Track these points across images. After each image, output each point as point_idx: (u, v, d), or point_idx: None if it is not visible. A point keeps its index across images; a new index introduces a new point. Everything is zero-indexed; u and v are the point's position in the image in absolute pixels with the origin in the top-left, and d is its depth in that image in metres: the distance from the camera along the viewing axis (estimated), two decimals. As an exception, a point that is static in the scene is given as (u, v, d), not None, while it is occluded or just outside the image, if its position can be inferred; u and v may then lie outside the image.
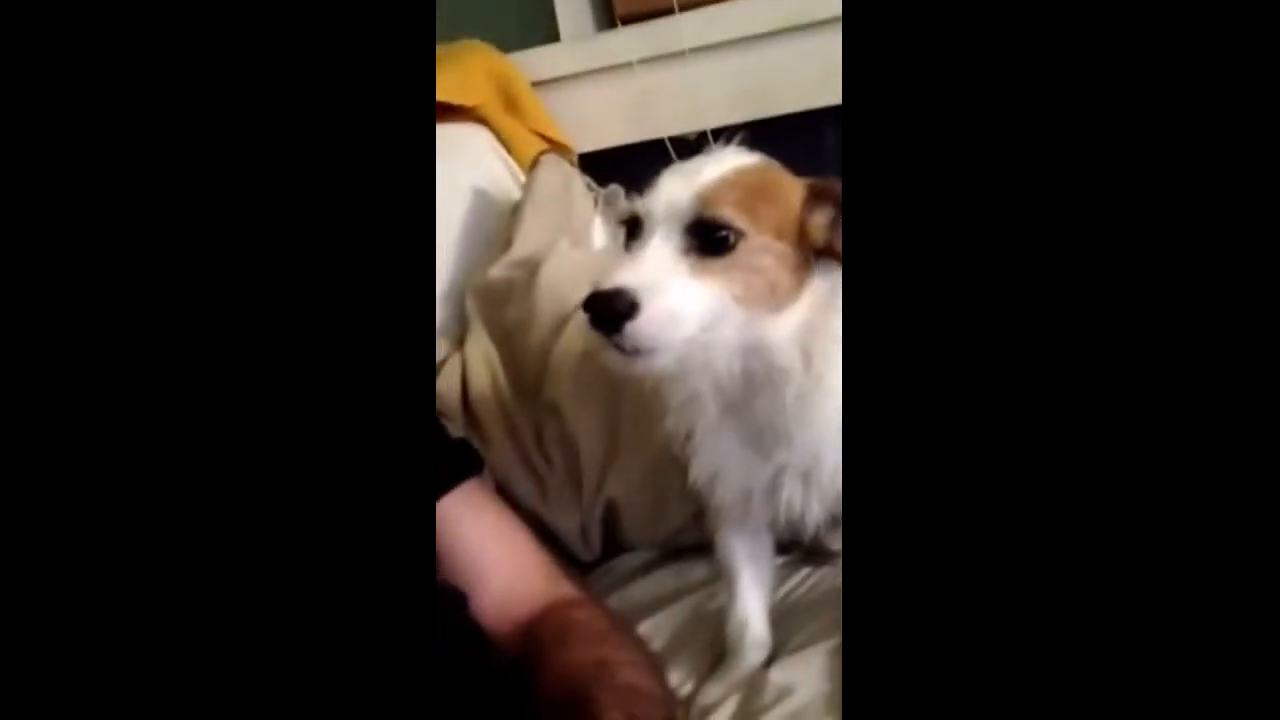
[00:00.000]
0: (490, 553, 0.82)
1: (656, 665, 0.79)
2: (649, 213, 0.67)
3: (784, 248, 0.68)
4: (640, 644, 0.81)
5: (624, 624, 0.84)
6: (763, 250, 0.67)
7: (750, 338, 0.68)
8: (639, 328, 0.62)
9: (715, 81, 1.34)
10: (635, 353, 0.64)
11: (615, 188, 1.26)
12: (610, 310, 0.62)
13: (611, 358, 0.65)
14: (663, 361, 0.65)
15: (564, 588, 0.83)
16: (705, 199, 0.66)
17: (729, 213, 0.65)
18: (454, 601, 0.77)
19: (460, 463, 0.85)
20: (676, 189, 0.67)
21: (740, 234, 0.66)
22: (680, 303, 0.64)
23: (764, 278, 0.67)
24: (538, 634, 0.77)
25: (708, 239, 0.65)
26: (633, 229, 0.69)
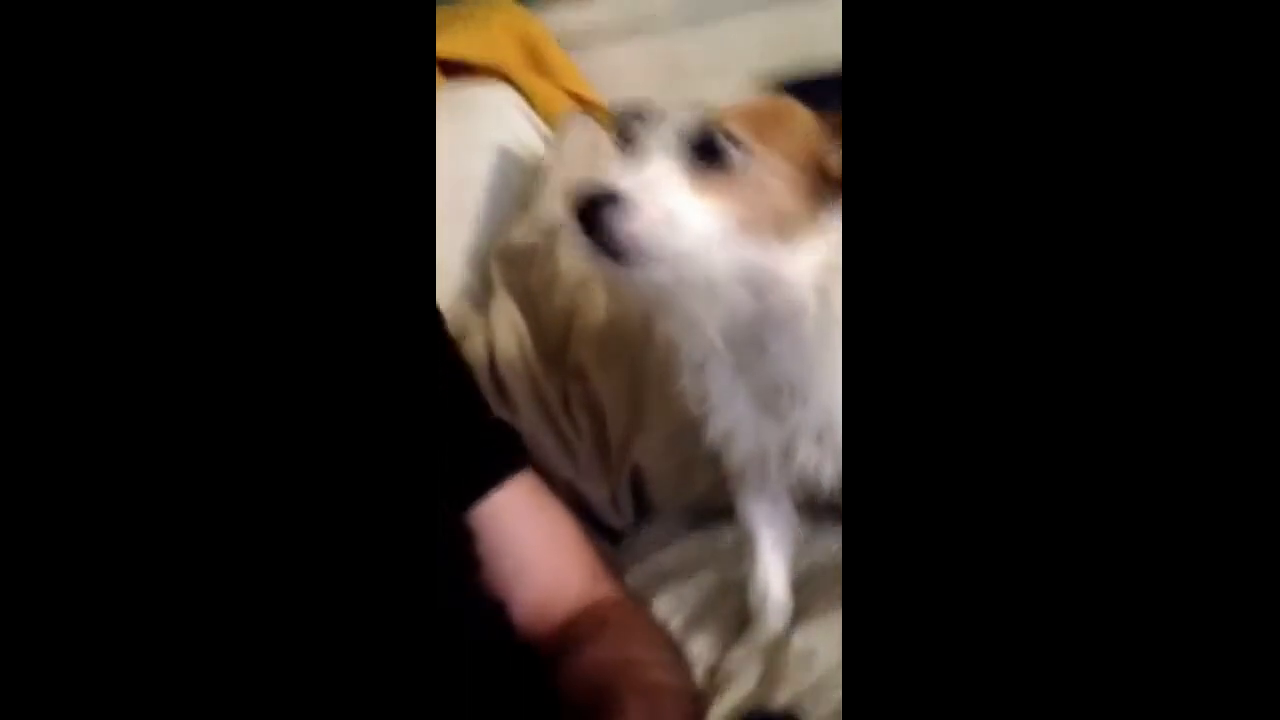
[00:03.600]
0: (534, 551, 0.80)
1: (685, 664, 0.77)
2: (655, 134, 0.65)
3: (793, 171, 0.65)
4: (670, 643, 0.80)
5: (655, 622, 0.83)
6: (770, 169, 0.64)
7: (759, 268, 0.65)
8: (632, 226, 0.60)
9: (749, 42, 1.30)
10: (626, 259, 0.61)
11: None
12: (600, 210, 0.60)
13: (603, 266, 0.62)
14: (657, 273, 0.62)
15: (604, 587, 0.82)
16: (713, 116, 0.64)
17: (735, 128, 0.64)
18: (488, 610, 0.75)
19: (506, 456, 0.83)
20: (686, 113, 0.65)
21: (746, 150, 0.63)
22: (677, 209, 0.61)
23: (770, 199, 0.64)
24: (574, 631, 0.76)
25: (712, 154, 0.63)
26: (639, 154, 0.66)
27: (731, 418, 0.76)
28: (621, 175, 0.63)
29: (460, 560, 0.73)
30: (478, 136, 1.26)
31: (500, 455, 0.82)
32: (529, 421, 1.04)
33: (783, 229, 0.65)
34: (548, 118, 1.35)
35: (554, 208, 1.17)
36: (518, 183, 1.28)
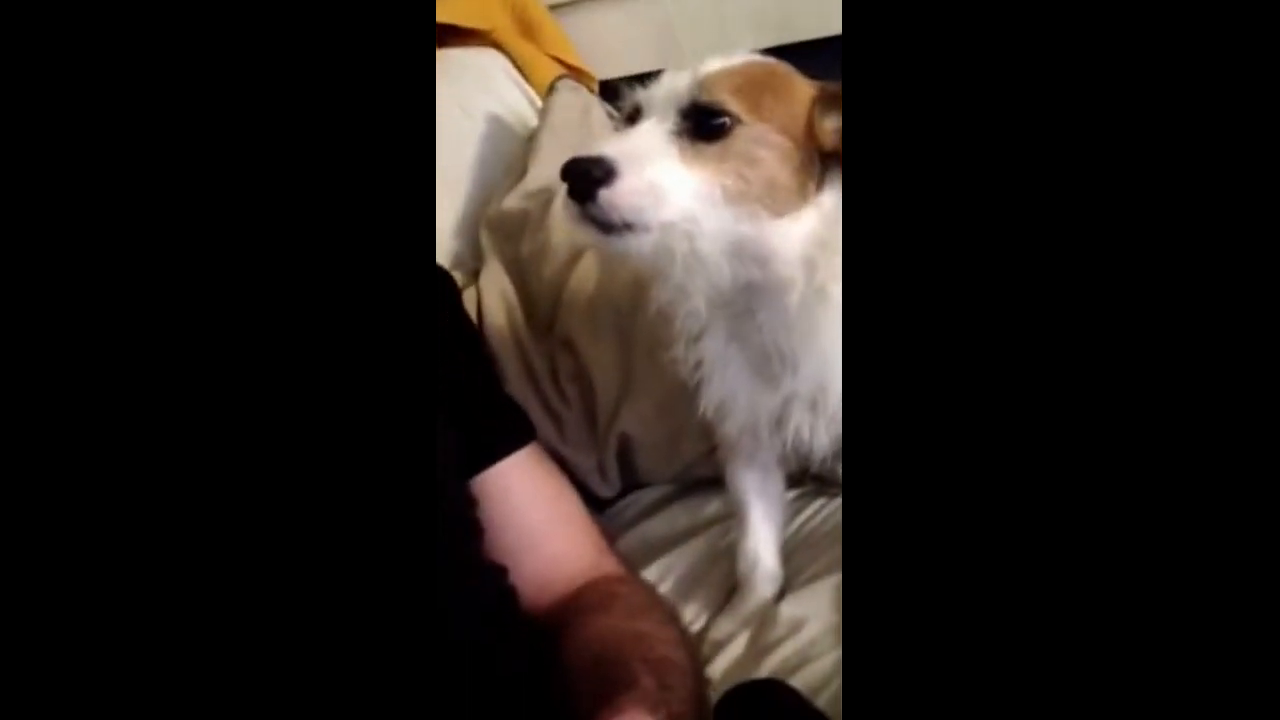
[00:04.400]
0: (540, 524, 0.80)
1: (690, 642, 0.78)
2: (648, 100, 0.65)
3: (785, 143, 0.64)
4: (677, 621, 0.81)
5: (662, 601, 0.83)
6: (760, 140, 0.63)
7: (746, 240, 0.64)
8: (615, 196, 0.60)
9: (742, 6, 1.29)
10: (612, 229, 0.61)
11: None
12: (587, 176, 0.60)
13: (589, 233, 0.62)
14: (641, 242, 0.61)
15: (608, 562, 0.82)
16: (704, 84, 0.63)
17: (726, 98, 0.63)
18: (490, 574, 0.75)
19: (513, 429, 0.83)
20: (678, 77, 0.65)
21: (736, 119, 0.63)
22: (663, 179, 0.61)
23: (761, 171, 0.63)
24: (582, 601, 0.77)
25: (702, 123, 0.63)
26: (633, 119, 0.66)
27: (726, 386, 0.75)
28: (610, 144, 0.62)
29: (463, 525, 0.73)
30: (467, 102, 1.25)
31: (508, 427, 0.83)
32: (517, 390, 1.04)
33: (772, 201, 0.64)
34: (537, 84, 1.33)
35: (544, 175, 1.16)
36: (507, 150, 1.26)
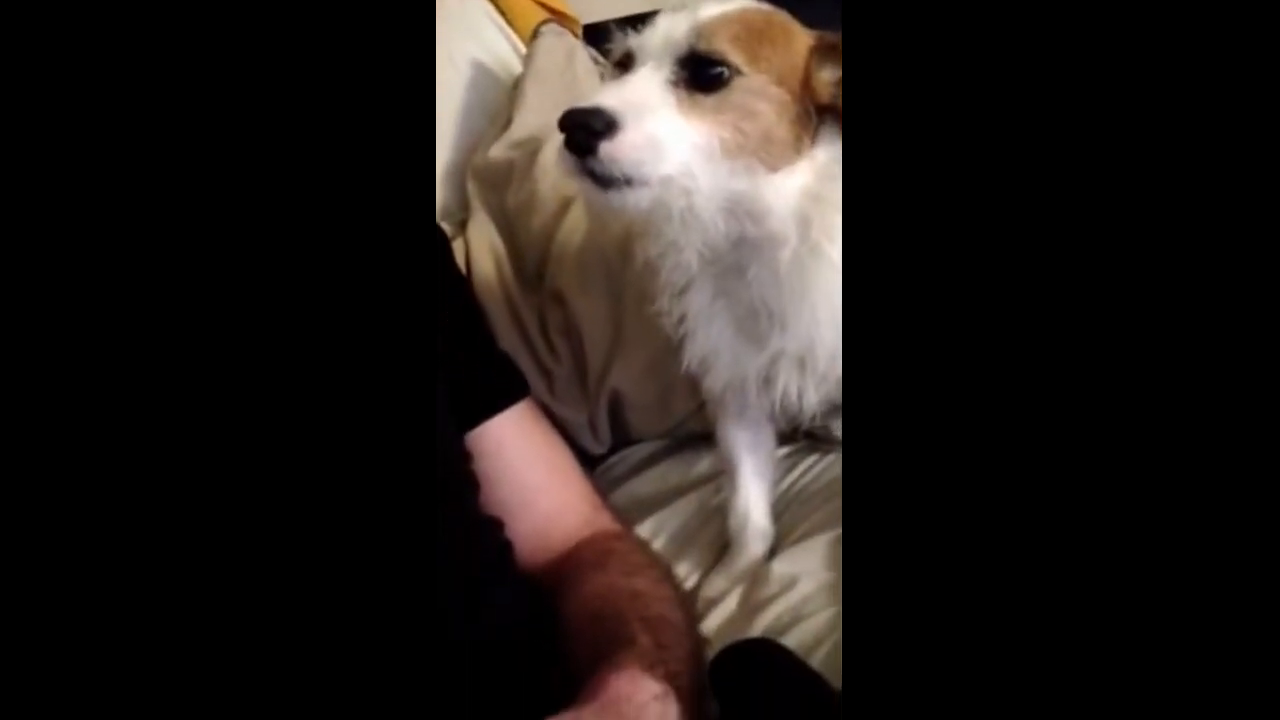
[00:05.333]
0: (536, 479, 0.80)
1: (686, 601, 0.78)
2: (642, 46, 0.63)
3: (783, 95, 0.62)
4: (673, 580, 0.80)
5: (659, 560, 0.83)
6: (759, 92, 0.61)
7: (741, 196, 0.63)
8: (615, 150, 0.58)
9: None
10: (610, 183, 0.59)
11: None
12: (586, 129, 0.58)
13: (585, 188, 0.60)
14: (639, 197, 0.60)
15: (604, 518, 0.82)
16: (702, 32, 0.61)
17: (725, 47, 0.61)
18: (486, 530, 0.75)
19: (508, 383, 0.82)
20: (674, 23, 0.62)
21: (735, 70, 0.61)
22: (663, 132, 0.59)
23: (758, 124, 0.61)
24: (579, 557, 0.76)
25: (700, 73, 0.60)
26: (625, 66, 0.64)
27: (710, 342, 0.74)
28: (607, 94, 0.60)
29: (459, 479, 0.73)
30: (450, 49, 1.21)
31: (502, 382, 0.82)
32: (507, 344, 1.02)
33: (768, 155, 0.62)
34: (521, 29, 1.30)
35: (529, 123, 1.13)
36: (492, 98, 1.23)
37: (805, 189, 0.64)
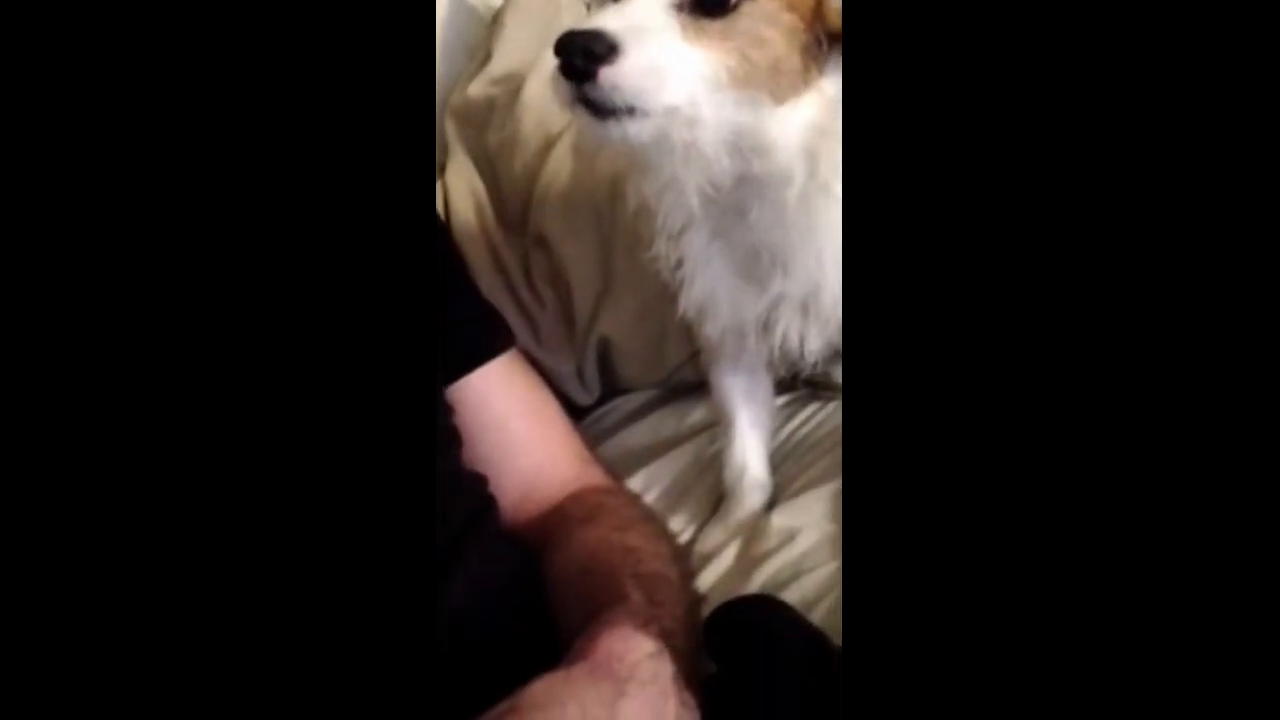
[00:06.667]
0: (521, 432, 0.78)
1: (681, 558, 0.76)
2: None
3: (794, 21, 0.58)
4: (667, 535, 0.78)
5: (652, 515, 0.81)
6: (768, 18, 0.57)
7: (746, 129, 0.59)
8: (616, 76, 0.54)
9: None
10: (609, 113, 0.55)
11: None
12: (585, 52, 0.53)
13: (581, 118, 0.56)
14: (640, 129, 0.56)
15: (594, 473, 0.79)
16: None
17: None
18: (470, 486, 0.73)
19: (491, 335, 0.79)
20: None
21: None
22: (667, 59, 0.55)
23: (766, 52, 0.57)
24: (566, 512, 0.74)
25: None
26: None
27: (708, 286, 0.71)
28: (608, 17, 0.55)
29: (440, 432, 0.70)
30: (425, -21, 1.15)
31: (484, 333, 0.79)
32: (489, 292, 0.98)
33: (775, 86, 0.58)
34: (501, -40, 1.24)
35: (510, 59, 1.08)
36: (470, 33, 1.18)
37: (813, 123, 0.60)
